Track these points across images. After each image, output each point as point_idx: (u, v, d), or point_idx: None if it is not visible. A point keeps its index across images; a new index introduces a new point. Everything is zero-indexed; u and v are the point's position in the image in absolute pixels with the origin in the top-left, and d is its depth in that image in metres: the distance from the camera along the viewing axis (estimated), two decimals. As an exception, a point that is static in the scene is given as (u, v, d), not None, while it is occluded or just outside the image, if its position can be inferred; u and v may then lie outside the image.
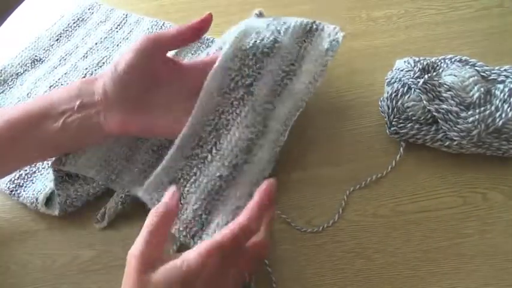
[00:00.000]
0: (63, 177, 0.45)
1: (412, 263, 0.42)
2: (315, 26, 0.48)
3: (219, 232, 0.35)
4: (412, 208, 0.45)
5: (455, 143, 0.46)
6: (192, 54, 0.60)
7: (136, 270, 0.32)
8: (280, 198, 0.46)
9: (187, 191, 0.40)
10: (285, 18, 0.48)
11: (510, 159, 0.47)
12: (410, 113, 0.47)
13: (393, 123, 0.48)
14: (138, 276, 0.32)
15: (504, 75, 0.48)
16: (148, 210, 0.38)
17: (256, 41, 0.43)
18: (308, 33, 0.48)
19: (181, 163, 0.41)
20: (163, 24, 0.64)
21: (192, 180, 0.40)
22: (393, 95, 0.49)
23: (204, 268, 0.32)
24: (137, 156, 0.46)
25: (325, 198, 0.46)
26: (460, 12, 0.63)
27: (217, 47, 0.52)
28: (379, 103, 0.51)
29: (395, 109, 0.48)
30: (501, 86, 0.46)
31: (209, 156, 0.41)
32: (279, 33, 0.45)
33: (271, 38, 0.44)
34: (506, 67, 0.49)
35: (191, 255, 0.33)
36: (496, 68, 0.49)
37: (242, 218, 0.35)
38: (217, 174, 0.40)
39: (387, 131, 0.49)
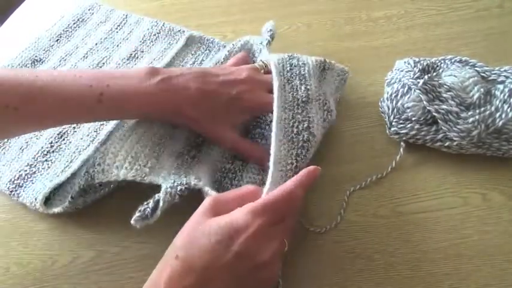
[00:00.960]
0: (80, 194, 0.45)
1: (412, 263, 0.42)
2: (327, 66, 0.52)
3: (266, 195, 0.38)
4: (412, 208, 0.45)
5: (455, 143, 0.46)
6: (192, 54, 0.61)
7: (203, 209, 0.37)
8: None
9: None
10: (301, 57, 0.51)
11: (510, 160, 0.47)
12: (410, 114, 0.47)
13: (393, 123, 0.48)
14: (200, 214, 0.36)
15: (504, 76, 0.48)
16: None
17: (293, 94, 0.47)
18: (322, 71, 0.51)
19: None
20: (163, 25, 0.64)
21: None
22: (393, 96, 0.49)
23: (248, 228, 0.34)
24: (161, 162, 0.45)
25: (326, 198, 0.46)
26: (460, 13, 0.63)
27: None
28: (379, 103, 0.51)
29: (395, 109, 0.48)
30: (501, 87, 0.46)
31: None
32: (305, 78, 0.49)
33: (303, 88, 0.48)
34: (506, 67, 0.49)
35: (239, 213, 0.35)
36: (496, 68, 0.49)
37: (289, 184, 0.38)
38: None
39: (387, 132, 0.49)
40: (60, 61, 0.61)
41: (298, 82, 0.49)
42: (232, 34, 0.63)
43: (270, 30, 0.55)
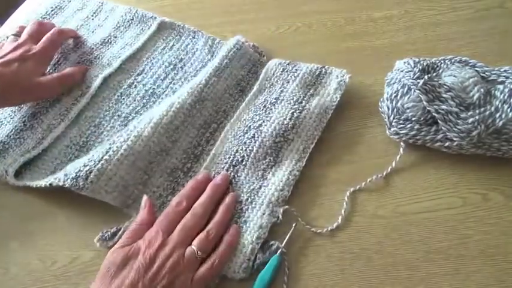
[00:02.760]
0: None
1: (412, 264, 0.42)
2: (324, 70, 0.55)
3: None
4: (412, 209, 0.45)
5: (455, 143, 0.46)
6: (163, 40, 0.62)
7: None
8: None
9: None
10: (298, 65, 0.56)
11: (510, 160, 0.47)
12: (410, 114, 0.47)
13: (393, 123, 0.48)
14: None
15: (504, 76, 0.48)
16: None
17: (266, 98, 0.53)
18: (318, 76, 0.54)
19: None
20: (136, 11, 0.65)
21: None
22: (393, 96, 0.49)
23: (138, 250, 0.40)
24: (152, 180, 0.48)
25: (326, 198, 0.46)
26: (460, 13, 0.63)
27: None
28: (379, 104, 0.51)
29: (395, 110, 0.48)
30: (501, 87, 0.46)
31: (229, 188, 0.47)
32: (288, 82, 0.54)
33: (278, 91, 0.53)
34: (506, 68, 0.49)
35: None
36: (496, 68, 0.49)
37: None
38: (239, 200, 0.46)
39: (387, 132, 0.49)
40: None
41: (278, 86, 0.53)
42: (232, 34, 0.63)
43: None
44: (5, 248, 0.46)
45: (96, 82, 0.57)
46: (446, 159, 0.48)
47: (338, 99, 0.52)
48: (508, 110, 0.44)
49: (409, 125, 0.47)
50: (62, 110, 0.55)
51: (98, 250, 0.45)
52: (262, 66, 0.57)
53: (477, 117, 0.44)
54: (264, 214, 0.44)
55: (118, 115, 0.54)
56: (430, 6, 0.64)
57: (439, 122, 0.46)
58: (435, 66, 0.50)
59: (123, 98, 0.56)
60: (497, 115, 0.44)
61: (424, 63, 0.50)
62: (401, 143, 0.48)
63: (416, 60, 0.50)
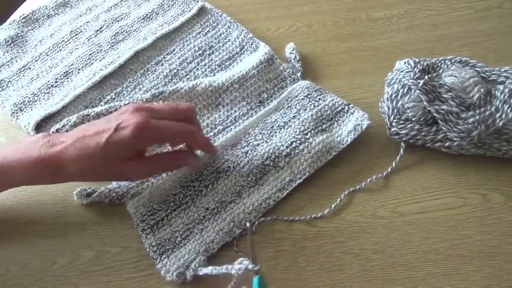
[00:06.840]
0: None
1: (412, 264, 0.42)
2: (346, 108, 0.52)
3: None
4: (412, 209, 0.45)
5: (455, 143, 0.46)
6: (201, 24, 0.63)
7: None
8: (280, 199, 0.46)
9: (175, 214, 0.45)
10: (324, 94, 0.53)
11: (510, 160, 0.47)
12: (410, 114, 0.47)
13: (393, 124, 0.48)
14: None
15: (504, 76, 0.48)
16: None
17: (278, 119, 0.51)
18: (338, 112, 0.52)
19: (176, 190, 0.47)
20: None
21: (182, 207, 0.46)
22: (393, 96, 0.49)
23: None
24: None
25: (326, 199, 0.46)
26: (460, 13, 0.63)
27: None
28: (380, 104, 0.51)
29: (395, 110, 0.48)
30: (501, 87, 0.46)
31: (204, 191, 0.47)
32: (305, 110, 0.52)
33: (291, 116, 0.51)
34: (506, 68, 0.49)
35: None
36: (496, 68, 0.49)
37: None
38: (206, 206, 0.45)
39: (387, 132, 0.49)
40: (86, 10, 0.67)
41: (294, 110, 0.52)
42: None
43: (293, 50, 0.58)
44: (5, 248, 0.46)
45: (128, 54, 0.60)
46: (447, 160, 0.48)
47: (348, 143, 0.49)
48: (508, 110, 0.44)
49: (409, 125, 0.47)
50: (90, 73, 0.58)
51: (98, 250, 0.45)
52: (293, 83, 0.55)
53: (477, 117, 0.44)
54: (221, 230, 0.43)
55: (139, 88, 0.57)
56: (430, 6, 0.64)
57: (440, 122, 0.46)
58: (435, 66, 0.50)
59: (148, 74, 0.58)
60: (498, 115, 0.44)
61: (424, 64, 0.50)
62: (402, 143, 0.48)
63: (417, 60, 0.50)
